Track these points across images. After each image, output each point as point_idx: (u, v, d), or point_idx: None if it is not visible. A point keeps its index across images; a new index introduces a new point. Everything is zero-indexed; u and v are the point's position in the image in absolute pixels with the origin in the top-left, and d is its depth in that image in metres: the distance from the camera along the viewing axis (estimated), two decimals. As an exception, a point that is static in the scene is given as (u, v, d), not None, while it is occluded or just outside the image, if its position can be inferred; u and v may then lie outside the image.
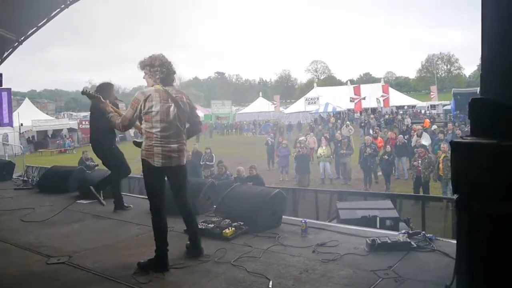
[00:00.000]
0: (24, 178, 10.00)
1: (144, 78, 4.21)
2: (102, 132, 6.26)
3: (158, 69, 4.06)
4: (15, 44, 13.65)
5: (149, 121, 4.03)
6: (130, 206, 6.81)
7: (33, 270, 4.21)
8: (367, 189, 14.17)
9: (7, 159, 15.88)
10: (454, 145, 2.87)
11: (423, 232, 4.81)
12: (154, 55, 4.13)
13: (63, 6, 12.27)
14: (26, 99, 52.63)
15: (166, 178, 4.27)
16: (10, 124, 17.60)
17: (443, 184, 11.73)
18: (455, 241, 3.28)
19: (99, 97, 4.78)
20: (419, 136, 16.00)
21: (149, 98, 4.00)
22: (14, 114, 19.05)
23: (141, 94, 4.04)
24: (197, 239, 4.47)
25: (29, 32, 13.21)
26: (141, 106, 4.00)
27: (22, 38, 13.39)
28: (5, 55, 14.08)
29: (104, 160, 6.62)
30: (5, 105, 17.34)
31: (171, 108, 4.07)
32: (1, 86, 14.84)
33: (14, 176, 10.69)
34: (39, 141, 40.11)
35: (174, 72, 4.22)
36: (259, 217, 5.31)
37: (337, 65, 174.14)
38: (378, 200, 8.46)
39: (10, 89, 17.52)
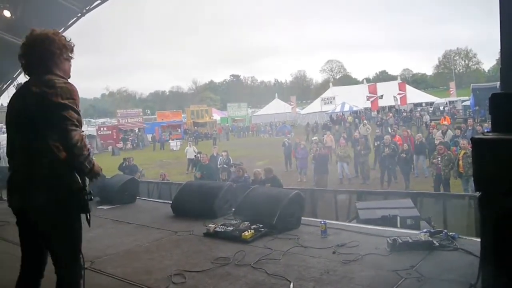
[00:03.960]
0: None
1: None
2: None
3: (22, 50, 2.71)
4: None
5: None
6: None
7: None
8: (383, 188, 14.02)
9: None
10: (475, 141, 2.82)
11: (445, 230, 4.74)
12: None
13: (79, 14, 12.46)
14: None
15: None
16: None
17: (464, 181, 11.53)
18: (478, 239, 3.23)
19: None
20: (444, 133, 15.79)
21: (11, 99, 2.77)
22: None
23: None
24: None
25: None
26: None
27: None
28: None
29: None
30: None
31: (15, 110, 2.66)
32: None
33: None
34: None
35: (52, 52, 2.67)
36: (278, 219, 5.29)
37: (352, 64, 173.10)
38: (398, 199, 8.36)
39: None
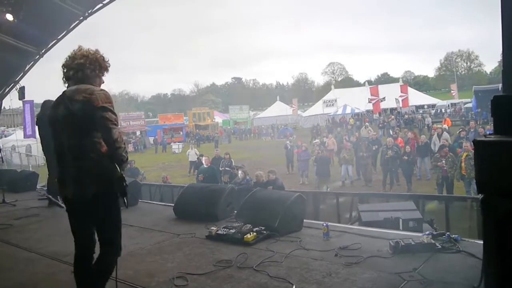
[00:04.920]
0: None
1: None
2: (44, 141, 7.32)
3: (65, 60, 3.21)
4: (36, 57, 13.94)
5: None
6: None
7: (59, 279, 4.27)
8: (386, 190, 14.00)
9: (30, 169, 16.20)
10: (477, 144, 2.82)
11: (448, 233, 4.73)
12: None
13: (81, 18, 12.49)
14: (48, 110, 53.51)
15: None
16: (33, 135, 17.96)
17: (466, 184, 11.52)
18: (481, 242, 3.22)
19: None
20: (439, 136, 15.77)
21: (49, 108, 3.31)
22: (37, 125, 19.39)
23: None
24: None
25: (50, 45, 13.47)
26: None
27: (43, 51, 13.66)
28: (27, 68, 14.38)
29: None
30: (28, 117, 17.75)
31: (59, 115, 3.11)
32: (24, 98, 15.19)
33: (38, 186, 10.88)
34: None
35: (87, 67, 3.14)
36: (280, 221, 5.29)
37: (354, 66, 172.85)
38: (400, 201, 8.35)
39: (32, 101, 17.91)
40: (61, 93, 3.17)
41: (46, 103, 7.27)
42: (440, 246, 4.35)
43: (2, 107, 16.15)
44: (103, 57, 3.25)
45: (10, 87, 14.87)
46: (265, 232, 5.21)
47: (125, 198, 3.06)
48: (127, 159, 3.11)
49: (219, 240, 5.20)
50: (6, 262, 4.90)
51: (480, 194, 2.83)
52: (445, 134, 16.11)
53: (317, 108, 54.72)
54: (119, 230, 3.22)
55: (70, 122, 3.03)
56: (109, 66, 3.31)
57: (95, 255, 3.22)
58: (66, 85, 3.21)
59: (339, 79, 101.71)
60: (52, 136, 3.24)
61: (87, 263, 3.21)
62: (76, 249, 3.22)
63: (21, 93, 14.64)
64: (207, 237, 5.37)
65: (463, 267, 3.87)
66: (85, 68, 3.14)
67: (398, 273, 3.79)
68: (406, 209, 6.46)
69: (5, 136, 43.05)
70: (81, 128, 3.01)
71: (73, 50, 3.20)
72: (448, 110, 45.16)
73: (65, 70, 3.19)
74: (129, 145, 40.35)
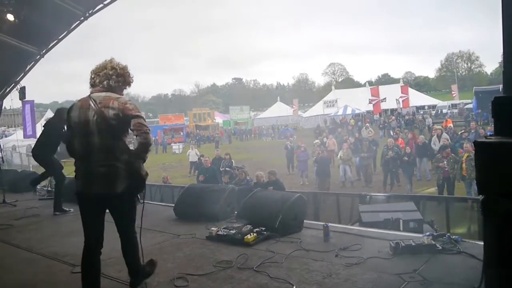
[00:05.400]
0: (48, 189, 10.16)
1: None
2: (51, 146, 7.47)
3: (95, 68, 3.53)
4: (37, 57, 13.94)
5: (72, 136, 3.53)
6: (70, 210, 7.35)
7: (59, 279, 4.27)
8: (386, 191, 13.98)
9: (31, 170, 16.19)
10: (478, 145, 2.82)
11: (448, 234, 4.72)
12: None
13: (82, 18, 12.48)
14: (49, 110, 53.66)
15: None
16: (34, 135, 17.94)
17: (467, 184, 11.50)
18: (481, 242, 3.22)
19: None
20: (439, 136, 15.77)
21: (72, 110, 3.50)
22: (37, 125, 19.41)
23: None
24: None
25: (51, 45, 13.47)
26: (67, 121, 3.55)
27: (43, 51, 13.66)
28: (27, 68, 14.38)
29: (51, 169, 7.77)
30: (28, 117, 17.75)
31: (90, 118, 3.35)
32: (25, 98, 15.21)
33: (38, 186, 10.87)
34: (62, 151, 40.77)
35: (113, 79, 3.47)
36: (281, 222, 5.28)
37: (355, 67, 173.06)
38: (401, 202, 8.34)
39: (33, 101, 17.92)
40: (86, 97, 3.46)
41: (60, 111, 7.22)
42: (440, 247, 4.34)
43: (3, 107, 16.15)
44: (129, 73, 3.59)
45: (11, 87, 14.87)
46: (265, 232, 5.20)
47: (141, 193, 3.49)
48: None
49: (219, 240, 5.19)
50: (7, 262, 4.90)
51: (480, 195, 2.83)
52: (445, 134, 16.10)
53: (318, 109, 54.75)
54: (135, 219, 3.66)
55: (103, 125, 3.31)
56: (132, 82, 3.65)
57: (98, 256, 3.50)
58: (91, 89, 3.50)
59: (340, 79, 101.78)
60: (76, 137, 3.45)
61: (96, 258, 3.46)
62: (87, 244, 3.46)
63: (22, 93, 14.66)
64: (208, 237, 5.36)
65: (463, 268, 3.87)
66: (111, 79, 3.46)
67: (399, 274, 3.79)
68: (406, 210, 6.45)
69: (6, 136, 43.03)
70: (114, 131, 3.34)
71: (105, 60, 3.54)
72: (449, 112, 45.15)
73: (92, 76, 3.51)
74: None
